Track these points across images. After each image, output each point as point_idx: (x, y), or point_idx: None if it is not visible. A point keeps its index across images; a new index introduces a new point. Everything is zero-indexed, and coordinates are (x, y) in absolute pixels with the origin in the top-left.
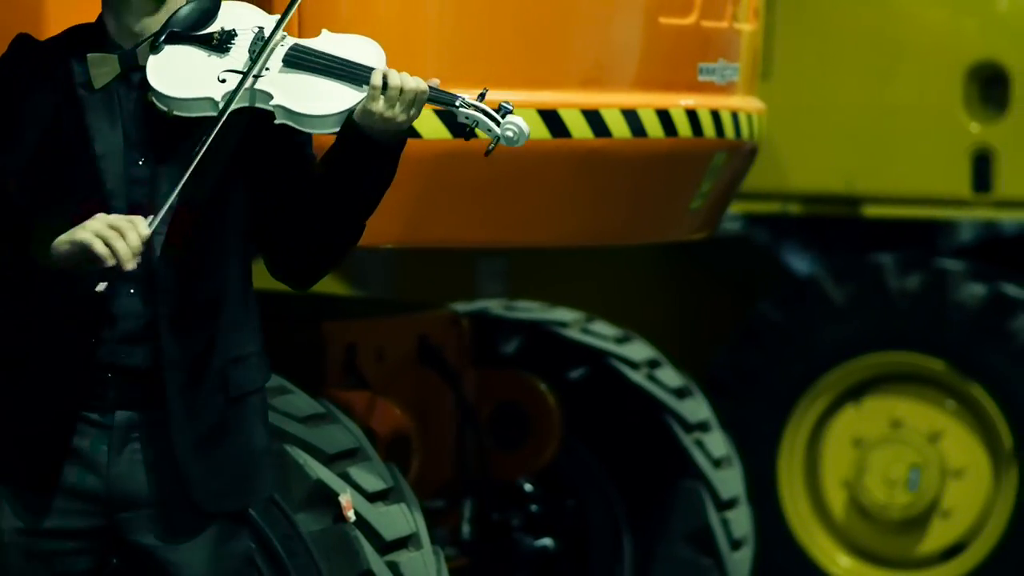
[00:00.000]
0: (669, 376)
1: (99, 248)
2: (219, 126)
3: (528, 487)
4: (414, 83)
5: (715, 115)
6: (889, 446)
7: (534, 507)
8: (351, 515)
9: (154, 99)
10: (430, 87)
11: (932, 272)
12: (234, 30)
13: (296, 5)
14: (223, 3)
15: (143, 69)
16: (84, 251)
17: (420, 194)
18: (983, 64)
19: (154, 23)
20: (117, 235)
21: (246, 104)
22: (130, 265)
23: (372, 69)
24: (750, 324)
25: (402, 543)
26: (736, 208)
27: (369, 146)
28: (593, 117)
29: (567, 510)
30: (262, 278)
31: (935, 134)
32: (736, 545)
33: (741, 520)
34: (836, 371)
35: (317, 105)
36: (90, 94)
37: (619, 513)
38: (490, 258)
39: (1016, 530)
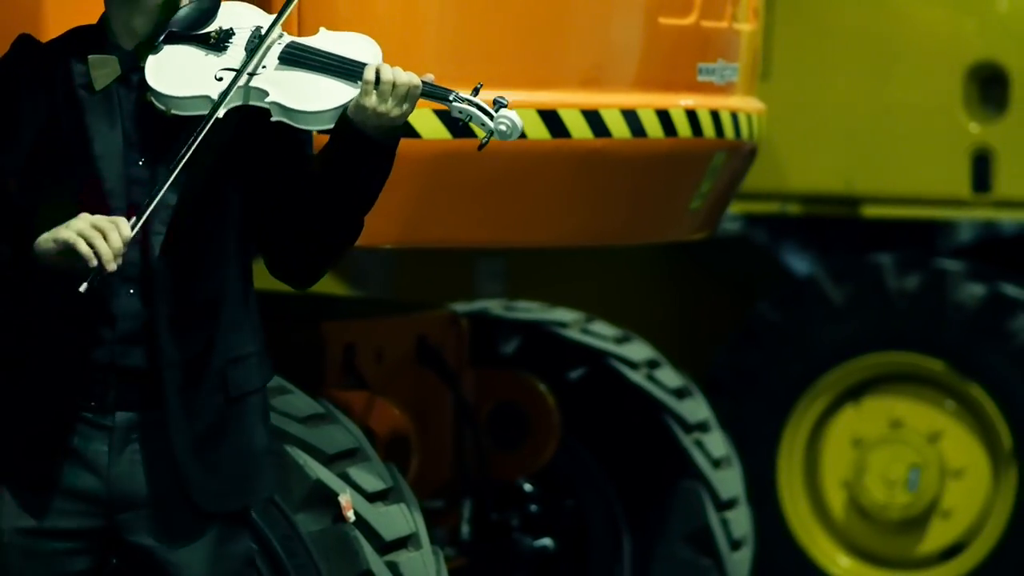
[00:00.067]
0: (668, 376)
1: (82, 248)
2: (211, 122)
3: (527, 487)
4: (407, 78)
5: (714, 115)
6: (888, 446)
7: (533, 507)
8: (350, 515)
9: (152, 98)
10: (424, 82)
11: (931, 272)
12: (231, 29)
13: (293, 4)
14: (223, 3)
15: (143, 70)
16: (67, 250)
17: (419, 194)
18: (982, 64)
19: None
20: (99, 235)
21: (241, 102)
22: (111, 266)
23: (366, 65)
24: (749, 324)
25: (401, 543)
26: (735, 208)
27: (363, 142)
28: (593, 117)
29: (566, 510)
30: (262, 278)
31: (934, 134)
32: (735, 545)
33: (740, 520)
34: (835, 371)
35: (312, 102)
36: (90, 95)
37: (618, 513)
38: (489, 258)
39: (1015, 530)
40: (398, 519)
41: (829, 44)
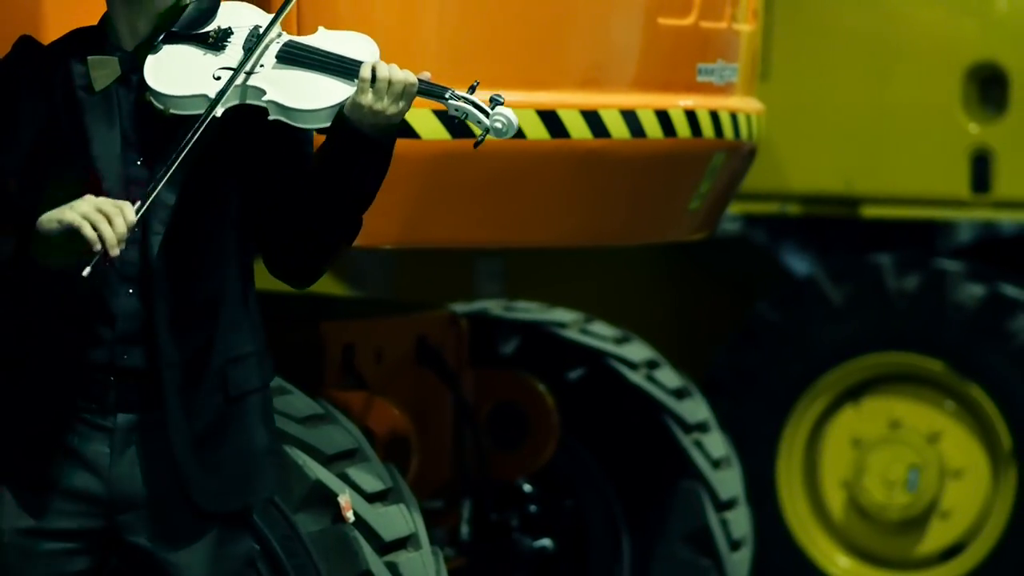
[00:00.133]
0: (668, 377)
1: (87, 232)
2: (208, 120)
3: (527, 487)
4: (403, 75)
5: (714, 116)
6: (888, 446)
7: (533, 507)
8: (350, 516)
9: (151, 98)
10: (420, 80)
11: (931, 272)
12: (230, 28)
13: (291, 4)
14: (223, 3)
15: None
16: (71, 232)
17: (418, 194)
18: (982, 65)
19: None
20: (104, 220)
21: (239, 101)
22: (115, 251)
23: (362, 63)
24: (749, 324)
25: (401, 543)
26: (735, 209)
27: (360, 140)
28: (592, 118)
29: (566, 510)
30: (262, 278)
31: (934, 135)
32: (735, 546)
33: (740, 521)
34: (835, 371)
35: (308, 100)
36: (90, 96)
37: (618, 513)
38: (489, 258)
39: (1015, 530)
40: (397, 519)
41: (828, 45)
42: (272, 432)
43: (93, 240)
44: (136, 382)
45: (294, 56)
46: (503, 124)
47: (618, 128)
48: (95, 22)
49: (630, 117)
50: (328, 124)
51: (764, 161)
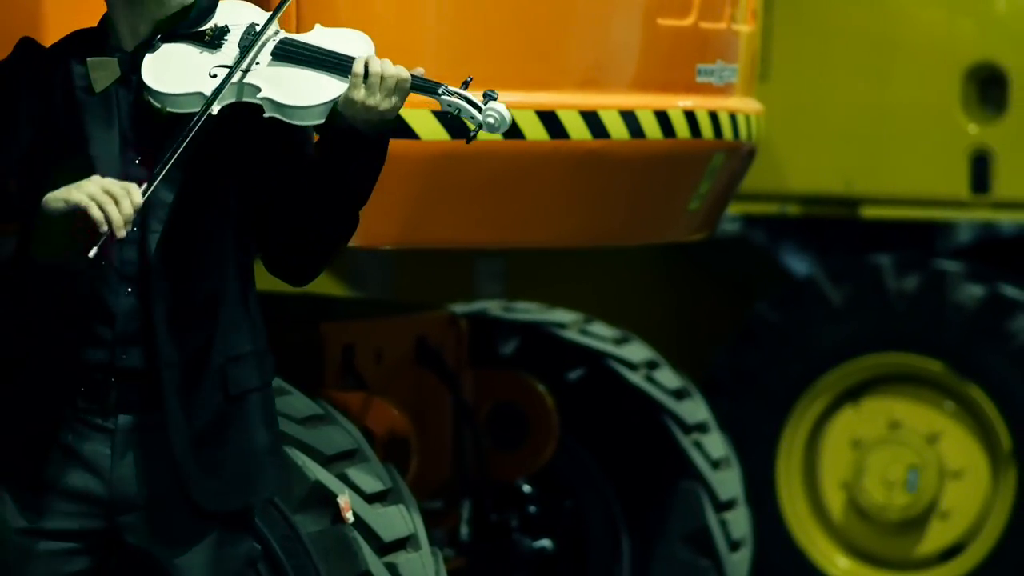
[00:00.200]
0: (667, 377)
1: (94, 213)
2: (204, 118)
3: (526, 488)
4: (395, 70)
5: (713, 116)
6: (887, 447)
7: (532, 508)
8: (349, 516)
9: (149, 96)
10: (413, 76)
11: (930, 273)
12: (227, 26)
13: (288, 2)
14: (221, 1)
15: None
16: (78, 212)
17: (418, 195)
18: (981, 65)
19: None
20: (111, 201)
21: (235, 98)
22: (121, 233)
23: (355, 59)
24: (748, 325)
25: (400, 544)
26: (734, 209)
27: (354, 136)
28: (591, 118)
29: (565, 511)
30: (261, 278)
31: (933, 135)
32: (734, 546)
33: (739, 521)
34: (834, 372)
35: (302, 97)
36: (89, 98)
37: (617, 514)
38: (488, 259)
39: (1014, 531)
40: (397, 520)
41: (828, 45)
42: (274, 432)
43: (100, 221)
44: (136, 382)
45: (289, 53)
46: (495, 119)
47: (617, 129)
48: (95, 23)
49: (629, 118)
50: (322, 121)
51: (764, 162)
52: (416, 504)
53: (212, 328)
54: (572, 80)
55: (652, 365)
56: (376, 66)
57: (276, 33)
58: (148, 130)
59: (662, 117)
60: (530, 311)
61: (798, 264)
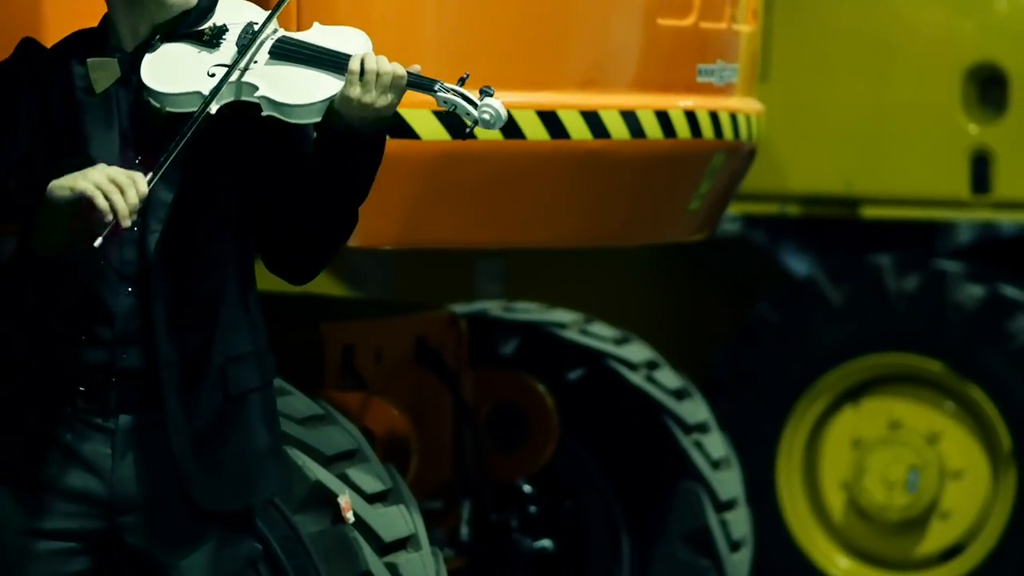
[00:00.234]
0: (668, 377)
1: (99, 202)
2: (202, 117)
3: (526, 488)
4: (391, 67)
5: (714, 116)
6: (888, 447)
7: (532, 508)
8: (350, 516)
9: (148, 97)
10: (409, 72)
11: (930, 273)
12: (225, 25)
13: (286, 1)
14: (221, 1)
15: None
16: (83, 201)
17: (419, 195)
18: (981, 65)
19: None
20: (117, 191)
21: (233, 97)
22: (126, 223)
23: (351, 56)
24: (748, 325)
25: (401, 544)
26: (734, 209)
27: (351, 134)
28: (592, 118)
29: (565, 511)
30: (261, 278)
31: (933, 135)
32: (735, 546)
33: (740, 521)
34: (834, 372)
35: (299, 95)
36: (90, 98)
37: (617, 514)
38: (488, 259)
39: (1015, 531)
40: (397, 520)
41: (828, 45)
42: (275, 432)
43: (106, 211)
44: (136, 383)
45: (286, 52)
46: (491, 115)
47: (618, 129)
48: (95, 23)
49: (630, 118)
50: (319, 119)
51: (764, 162)
52: (416, 504)
53: (212, 328)
54: (573, 80)
55: (652, 365)
56: (372, 63)
57: (274, 32)
58: (148, 130)
59: (663, 117)
60: (530, 311)
61: (798, 264)
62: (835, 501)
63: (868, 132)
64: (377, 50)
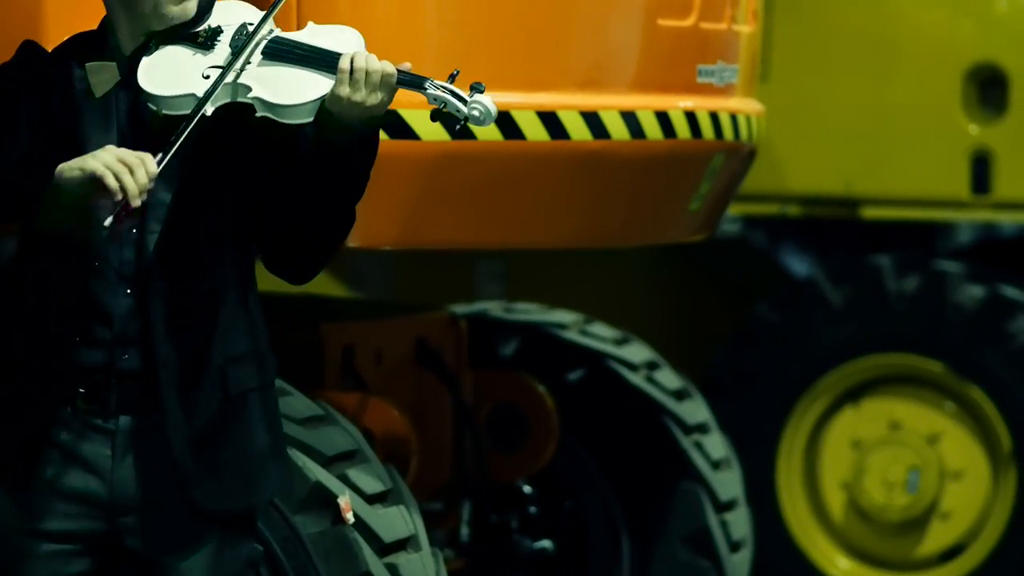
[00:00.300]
0: (668, 378)
1: (110, 181)
2: (197, 119)
3: (526, 489)
4: (380, 65)
5: (714, 117)
6: (888, 448)
7: (532, 509)
8: (350, 517)
9: (145, 100)
10: (399, 70)
11: (930, 274)
12: (220, 27)
13: (280, 3)
14: (217, 3)
15: None
16: (93, 181)
17: (418, 196)
18: (982, 66)
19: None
20: (126, 171)
21: (229, 98)
22: (136, 202)
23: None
24: (748, 326)
25: (401, 545)
26: (734, 210)
27: (343, 133)
28: (592, 119)
29: (565, 512)
30: (261, 279)
31: (934, 136)
32: (735, 547)
33: (740, 522)
34: (834, 373)
35: (291, 95)
36: (89, 100)
37: (617, 515)
38: (488, 260)
39: (1015, 532)
40: (397, 521)
41: (828, 45)
42: (277, 433)
43: (115, 190)
44: (136, 383)
45: (279, 52)
46: (480, 112)
47: (618, 129)
48: (95, 24)
49: (630, 118)
50: (312, 118)
51: (764, 162)
52: (416, 505)
53: (211, 328)
54: (573, 80)
55: (652, 366)
56: (361, 61)
57: (269, 32)
58: (146, 132)
59: (663, 118)
60: (530, 312)
61: (798, 265)
62: (835, 502)
63: (868, 133)
64: (377, 50)
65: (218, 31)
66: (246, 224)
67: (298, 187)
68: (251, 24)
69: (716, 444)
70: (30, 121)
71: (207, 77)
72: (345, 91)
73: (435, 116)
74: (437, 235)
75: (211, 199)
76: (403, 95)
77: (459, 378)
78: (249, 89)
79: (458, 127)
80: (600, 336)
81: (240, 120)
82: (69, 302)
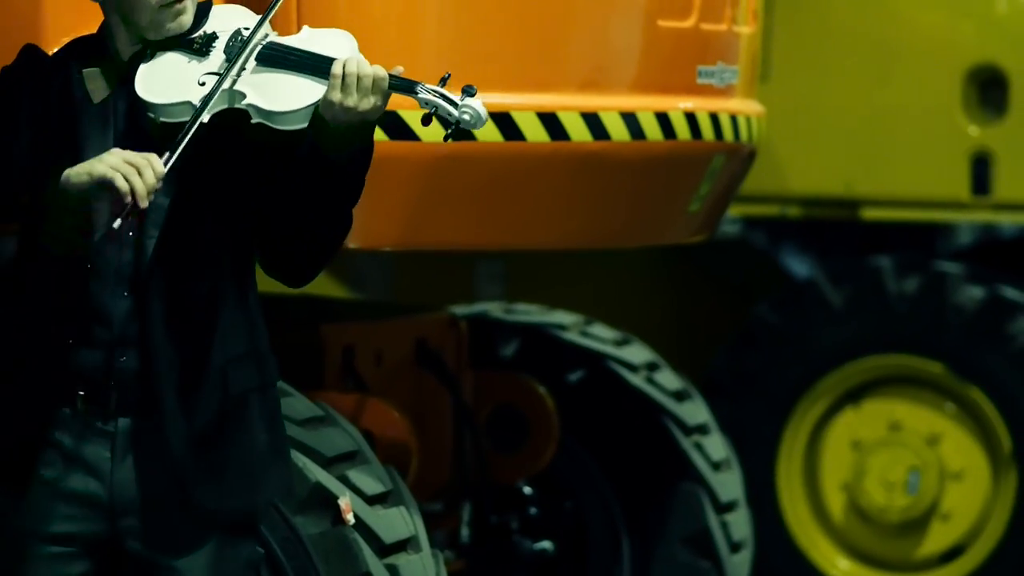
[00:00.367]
0: (668, 379)
1: (119, 183)
2: (195, 128)
3: (527, 490)
4: (371, 70)
5: (714, 118)
6: (888, 449)
7: (533, 510)
8: (350, 518)
9: (144, 107)
10: (390, 75)
11: (930, 275)
12: (215, 33)
13: (275, 8)
14: (214, 7)
15: None
16: (102, 184)
17: (419, 197)
18: (982, 67)
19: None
20: (134, 171)
21: (225, 105)
22: (144, 203)
23: (335, 60)
24: (748, 327)
25: (401, 546)
26: (734, 211)
27: (337, 138)
28: (592, 120)
29: (566, 513)
30: (262, 279)
31: (934, 137)
32: (735, 548)
33: (740, 523)
34: (835, 374)
35: (284, 101)
36: (87, 105)
37: (618, 516)
38: (489, 261)
39: (1015, 532)
40: (397, 522)
41: (828, 46)
42: (278, 434)
43: (125, 192)
44: (135, 385)
45: (272, 57)
46: (471, 116)
47: (618, 130)
48: (95, 27)
49: (630, 119)
50: (306, 124)
51: (764, 163)
52: (416, 506)
53: (210, 330)
54: (573, 81)
55: (652, 367)
56: (352, 66)
57: (264, 37)
58: (144, 135)
59: (663, 119)
60: (530, 313)
61: (798, 266)
62: (835, 503)
63: (868, 134)
64: (377, 51)
65: (214, 37)
66: (244, 228)
67: (295, 192)
68: (246, 29)
69: (716, 445)
70: (31, 124)
71: (203, 84)
72: (337, 96)
73: (426, 120)
74: (437, 236)
75: (209, 204)
76: (404, 97)
77: (459, 379)
78: (244, 95)
79: (449, 131)
80: (600, 337)
81: (236, 126)
82: (68, 303)
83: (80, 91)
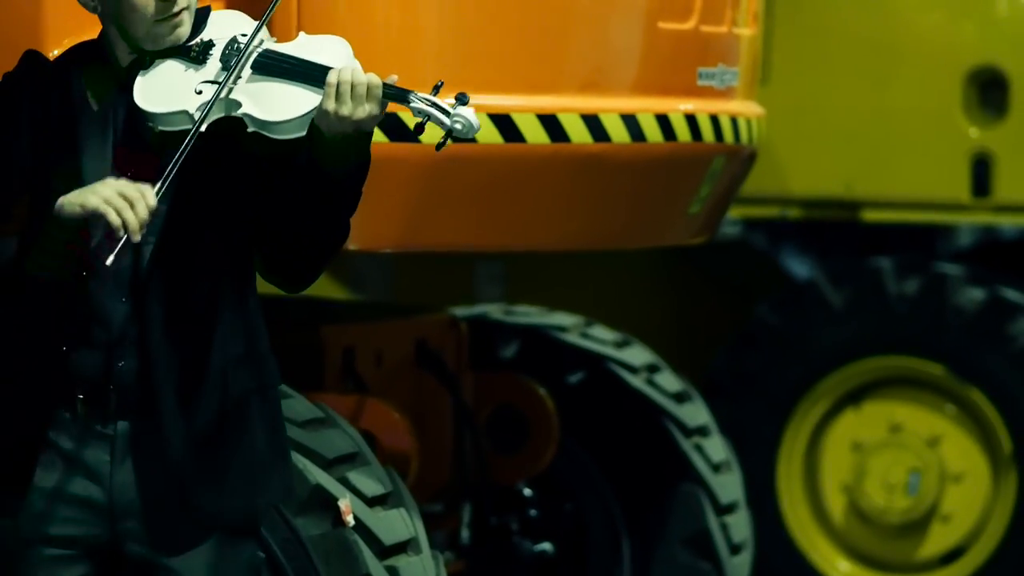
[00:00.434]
0: (668, 380)
1: (112, 218)
2: (193, 138)
3: (527, 491)
4: (365, 78)
5: (714, 120)
6: (888, 450)
7: (533, 511)
8: (350, 519)
9: (142, 116)
10: (384, 83)
11: (931, 276)
12: (212, 41)
13: (269, 14)
14: (212, 13)
15: None
16: (94, 218)
17: (419, 198)
18: (982, 68)
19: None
20: (127, 206)
21: (222, 113)
22: (136, 237)
23: (330, 69)
24: (749, 328)
25: (401, 547)
26: (735, 212)
27: (333, 147)
28: (592, 122)
29: (566, 514)
30: (261, 281)
31: (934, 138)
32: (735, 549)
33: (740, 525)
34: (835, 375)
35: (280, 111)
36: (87, 110)
37: (618, 517)
38: (489, 262)
39: (1015, 534)
40: (397, 523)
41: (829, 48)
42: (279, 436)
43: (118, 227)
44: (135, 388)
45: (268, 66)
46: (463, 125)
47: (618, 132)
48: (95, 32)
49: (630, 121)
50: (303, 133)
51: (764, 165)
52: (417, 507)
53: (209, 332)
54: (573, 83)
55: (653, 368)
56: (347, 75)
57: (260, 44)
58: (142, 141)
59: (663, 120)
60: (530, 314)
61: (799, 267)
62: (836, 504)
63: (869, 135)
64: (377, 55)
65: (211, 44)
66: (242, 233)
67: (292, 201)
68: (243, 36)
69: (716, 446)
70: (31, 129)
71: (200, 93)
72: (332, 105)
73: (419, 129)
74: (437, 237)
75: (206, 211)
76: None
77: (459, 380)
78: (240, 104)
79: (442, 141)
80: (600, 338)
81: (233, 134)
82: (67, 306)
83: (80, 95)
